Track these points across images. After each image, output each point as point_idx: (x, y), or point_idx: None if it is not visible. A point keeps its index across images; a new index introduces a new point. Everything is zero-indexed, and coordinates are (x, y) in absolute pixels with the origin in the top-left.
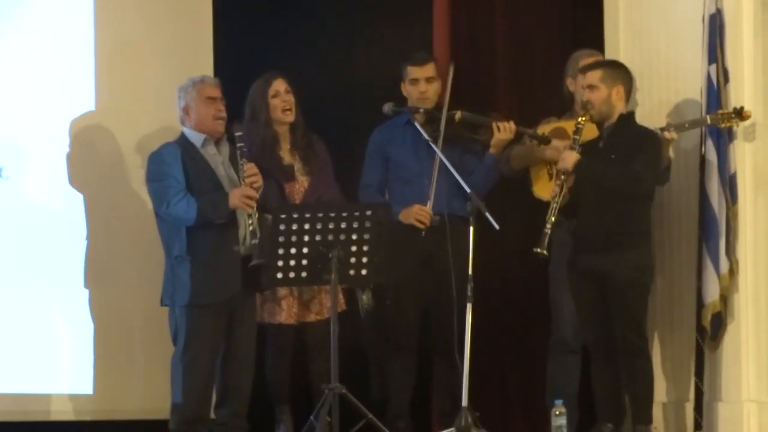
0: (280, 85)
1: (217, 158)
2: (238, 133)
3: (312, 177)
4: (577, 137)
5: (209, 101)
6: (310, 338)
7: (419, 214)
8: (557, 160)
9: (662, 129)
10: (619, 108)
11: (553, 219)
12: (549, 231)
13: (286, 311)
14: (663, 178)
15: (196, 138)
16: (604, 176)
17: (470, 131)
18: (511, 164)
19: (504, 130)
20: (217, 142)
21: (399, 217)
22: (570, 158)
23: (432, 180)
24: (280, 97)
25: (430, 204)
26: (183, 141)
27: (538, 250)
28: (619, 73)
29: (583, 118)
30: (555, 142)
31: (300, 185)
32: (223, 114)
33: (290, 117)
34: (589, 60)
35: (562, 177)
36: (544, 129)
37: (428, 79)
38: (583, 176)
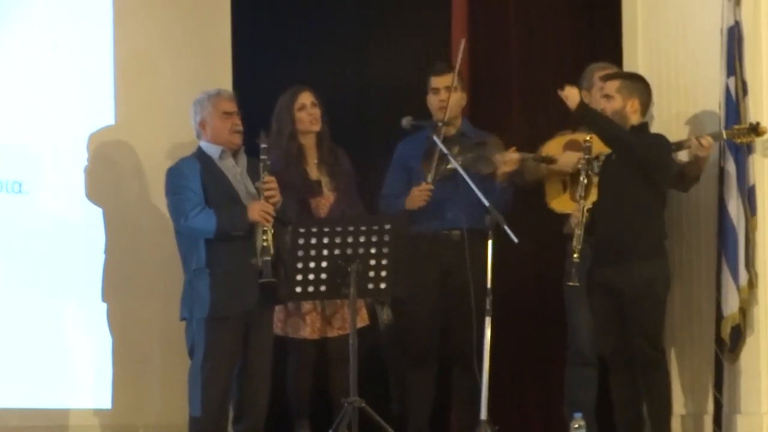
0: (306, 98)
1: (235, 170)
2: (263, 145)
3: (338, 192)
4: (588, 156)
5: (225, 116)
6: (332, 352)
7: (419, 193)
8: (565, 166)
9: (697, 137)
10: (633, 120)
11: (579, 247)
12: (578, 260)
13: (310, 326)
14: (686, 184)
15: (213, 151)
16: (606, 122)
17: (474, 166)
18: (524, 176)
19: (508, 164)
20: (235, 154)
21: (406, 206)
22: (573, 96)
23: (433, 159)
24: (306, 110)
25: (430, 177)
26: (200, 154)
27: (571, 283)
28: (638, 86)
29: (590, 136)
30: (564, 157)
31: (326, 200)
32: (240, 127)
33: (316, 126)
34: (604, 72)
35: (582, 203)
36: (558, 142)
37: (448, 89)
38: (584, 116)
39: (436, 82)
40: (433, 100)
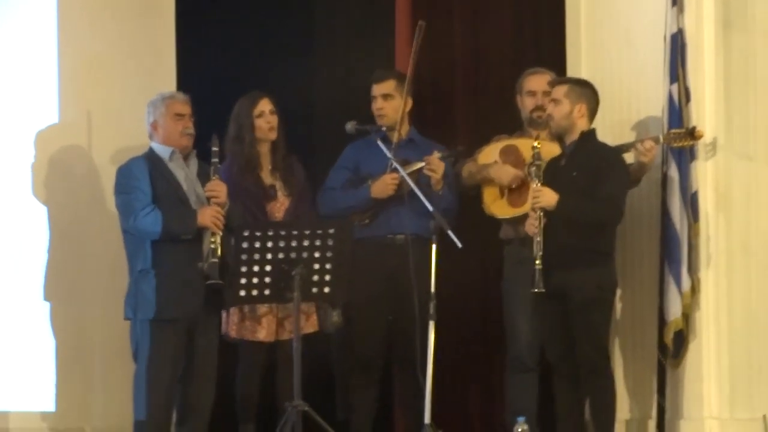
0: (265, 105)
1: (185, 172)
2: (214, 148)
3: (292, 198)
4: (539, 162)
5: (177, 117)
6: (282, 356)
7: (392, 180)
8: (499, 178)
9: (641, 141)
10: (581, 125)
11: (540, 254)
12: (540, 267)
13: (266, 329)
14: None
15: (163, 152)
16: (583, 210)
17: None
18: (463, 182)
19: (436, 170)
20: (186, 157)
21: (372, 194)
22: (551, 197)
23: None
24: (264, 117)
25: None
26: (151, 155)
27: (536, 290)
28: (585, 91)
29: (537, 142)
30: (501, 169)
31: (281, 204)
32: (191, 131)
33: (273, 135)
34: (535, 77)
35: (540, 213)
36: (494, 147)
37: (384, 96)
38: (564, 213)
39: (374, 90)
40: (372, 108)
